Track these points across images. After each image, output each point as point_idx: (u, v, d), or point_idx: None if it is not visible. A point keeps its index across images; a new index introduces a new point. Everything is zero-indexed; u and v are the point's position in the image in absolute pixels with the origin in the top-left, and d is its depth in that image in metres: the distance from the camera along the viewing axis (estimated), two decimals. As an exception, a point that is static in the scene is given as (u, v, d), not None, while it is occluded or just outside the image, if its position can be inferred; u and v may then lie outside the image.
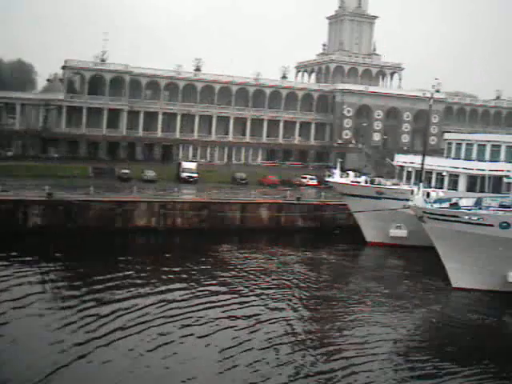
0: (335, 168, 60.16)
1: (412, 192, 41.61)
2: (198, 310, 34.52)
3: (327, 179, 59.21)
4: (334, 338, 32.16)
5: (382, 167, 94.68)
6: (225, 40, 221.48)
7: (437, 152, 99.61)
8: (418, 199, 39.78)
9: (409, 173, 60.48)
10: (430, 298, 39.91)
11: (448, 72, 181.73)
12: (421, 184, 41.59)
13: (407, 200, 46.00)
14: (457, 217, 38.44)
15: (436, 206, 39.97)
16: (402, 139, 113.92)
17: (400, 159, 63.42)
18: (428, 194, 40.62)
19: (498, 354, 30.60)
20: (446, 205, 41.36)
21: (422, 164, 43.77)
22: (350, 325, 34.27)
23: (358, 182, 57.75)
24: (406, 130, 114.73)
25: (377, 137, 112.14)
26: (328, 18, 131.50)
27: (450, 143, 63.09)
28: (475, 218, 37.89)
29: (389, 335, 32.86)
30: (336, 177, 57.14)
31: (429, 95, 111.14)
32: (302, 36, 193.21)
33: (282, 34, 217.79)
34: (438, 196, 41.67)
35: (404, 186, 56.55)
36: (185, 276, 41.94)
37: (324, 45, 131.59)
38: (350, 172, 58.30)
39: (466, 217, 38.05)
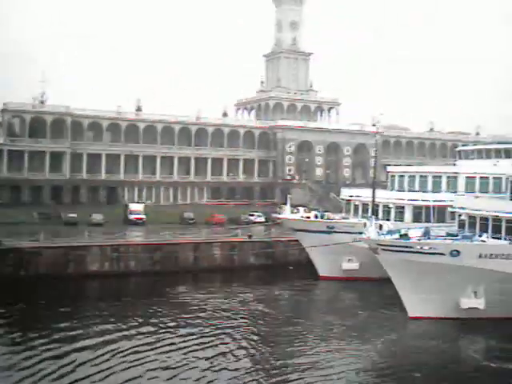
0: (284, 204, 61.32)
1: (365, 225, 42.90)
2: (161, 353, 34.48)
3: (278, 216, 60.12)
4: (297, 371, 32.57)
5: (327, 201, 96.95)
6: (164, 80, 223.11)
7: (377, 184, 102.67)
8: (372, 231, 41.11)
9: (356, 206, 62.16)
10: (388, 328, 40.97)
11: (381, 106, 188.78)
12: (373, 216, 43.02)
13: (358, 233, 47.69)
14: (409, 247, 39.95)
15: (388, 237, 41.41)
16: (343, 173, 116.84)
17: (346, 193, 65.13)
18: (381, 226, 42.02)
19: (459, 380, 31.84)
20: (396, 236, 42.88)
21: (373, 197, 45.34)
22: (312, 358, 34.83)
23: (308, 217, 59.02)
24: (347, 164, 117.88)
25: (319, 171, 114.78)
26: (265, 55, 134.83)
27: (392, 176, 65.31)
28: (427, 248, 39.46)
29: (351, 365, 33.66)
30: (287, 213, 58.17)
31: (371, 130, 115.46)
32: (240, 74, 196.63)
33: (221, 73, 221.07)
34: (389, 228, 43.13)
35: (353, 220, 58.21)
36: (143, 320, 41.55)
37: (262, 82, 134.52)
38: (300, 208, 59.44)
39: (418, 246, 39.58)
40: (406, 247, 40.07)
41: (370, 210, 59.38)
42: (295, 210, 58.52)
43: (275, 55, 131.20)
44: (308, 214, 59.36)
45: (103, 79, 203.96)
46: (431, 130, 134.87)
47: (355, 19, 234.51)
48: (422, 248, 39.48)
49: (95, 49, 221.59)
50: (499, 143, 65.81)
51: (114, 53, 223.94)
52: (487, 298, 40.15)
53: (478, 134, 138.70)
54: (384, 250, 40.78)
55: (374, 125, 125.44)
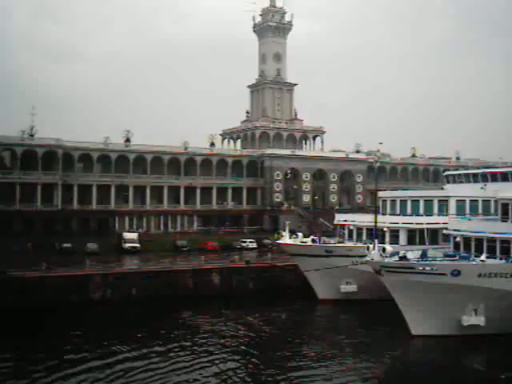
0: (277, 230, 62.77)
1: (368, 248, 44.53)
2: (168, 372, 36.02)
3: (276, 241, 61.54)
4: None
5: (316, 226, 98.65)
6: (151, 111, 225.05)
7: (364, 209, 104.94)
8: (375, 254, 42.79)
9: (350, 230, 63.98)
10: (392, 346, 42.50)
11: (363, 133, 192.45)
12: (376, 240, 44.72)
13: (357, 256, 49.47)
14: (412, 268, 41.64)
15: (392, 259, 43.08)
16: (330, 199, 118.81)
17: (341, 218, 66.90)
18: (384, 249, 43.68)
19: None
20: (396, 258, 44.58)
21: (375, 222, 47.06)
22: (320, 376, 36.22)
23: (305, 242, 60.62)
24: (334, 190, 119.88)
25: (306, 198, 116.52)
26: (249, 86, 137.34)
27: (384, 200, 67.31)
28: (429, 268, 41.19)
29: (356, 382, 35.05)
30: (285, 238, 59.63)
31: (356, 157, 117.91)
32: (225, 104, 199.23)
33: (207, 103, 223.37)
34: (392, 251, 44.81)
35: (348, 243, 60.06)
36: (148, 345, 42.55)
37: (247, 112, 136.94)
38: (299, 233, 60.99)
39: (421, 268, 41.29)
40: (409, 268, 41.72)
41: (364, 234, 61.58)
42: (294, 236, 60.00)
43: (260, 86, 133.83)
44: (305, 239, 60.89)
45: (91, 110, 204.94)
46: (413, 155, 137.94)
47: (337, 50, 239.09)
48: (424, 269, 41.17)
49: (84, 79, 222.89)
50: (486, 168, 68.43)
51: (103, 83, 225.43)
52: (487, 315, 41.86)
53: (458, 158, 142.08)
54: (388, 271, 42.37)
55: (357, 151, 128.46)
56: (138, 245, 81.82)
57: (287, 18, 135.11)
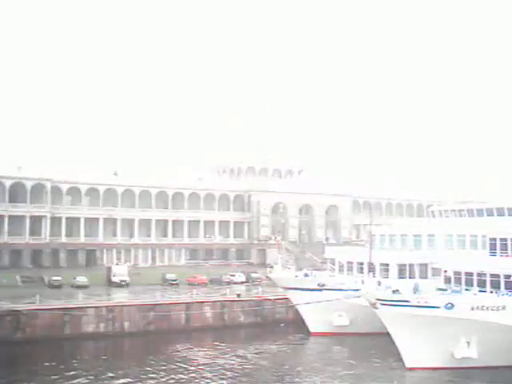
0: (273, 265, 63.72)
1: (362, 282, 45.54)
2: None
3: (268, 275, 62.31)
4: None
5: (303, 261, 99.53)
6: (137, 144, 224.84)
7: (350, 244, 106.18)
8: (370, 287, 43.80)
9: (341, 265, 65.00)
10: (387, 379, 43.19)
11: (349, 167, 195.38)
12: (371, 274, 45.77)
13: (351, 290, 50.53)
14: (407, 301, 42.65)
15: (387, 293, 44.09)
16: (316, 233, 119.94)
17: (331, 252, 68.05)
18: (379, 283, 44.70)
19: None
20: (389, 291, 45.60)
21: (370, 256, 48.17)
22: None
23: (297, 276, 61.53)
24: (320, 224, 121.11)
25: (293, 232, 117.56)
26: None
27: (373, 235, 68.59)
28: (423, 301, 42.24)
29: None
30: (278, 272, 60.48)
31: (342, 192, 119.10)
32: (211, 138, 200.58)
33: (194, 136, 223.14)
34: (387, 284, 45.86)
35: (342, 277, 61.08)
36: (141, 380, 42.76)
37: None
38: (291, 266, 61.87)
39: (416, 301, 42.32)
40: (404, 301, 42.71)
41: (355, 268, 62.69)
42: (286, 269, 60.91)
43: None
44: (297, 273, 61.84)
45: (75, 142, 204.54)
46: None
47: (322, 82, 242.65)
48: (419, 302, 42.20)
49: (64, 112, 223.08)
50: (471, 203, 70.31)
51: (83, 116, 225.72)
52: (479, 348, 42.84)
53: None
54: (383, 304, 43.32)
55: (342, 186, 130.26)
56: (127, 278, 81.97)
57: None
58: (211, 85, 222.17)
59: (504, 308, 42.51)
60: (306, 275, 60.71)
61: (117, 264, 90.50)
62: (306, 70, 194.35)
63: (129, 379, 42.61)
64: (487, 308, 42.23)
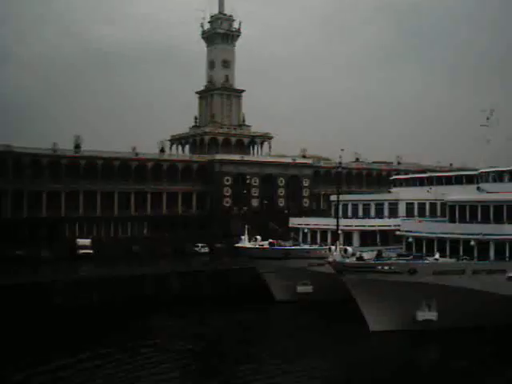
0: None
1: (329, 249, 46.77)
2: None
3: (236, 245, 63.11)
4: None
5: (265, 231, 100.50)
6: (99, 115, 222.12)
7: (308, 213, 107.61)
8: (337, 255, 45.09)
9: (304, 233, 66.30)
10: (352, 343, 44.77)
11: (309, 138, 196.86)
12: (337, 242, 47.02)
13: (315, 258, 51.93)
14: (372, 267, 44.12)
15: (353, 260, 45.49)
16: (278, 203, 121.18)
17: (295, 221, 69.28)
18: (346, 250, 46.03)
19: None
20: (353, 259, 47.03)
21: (337, 225, 49.44)
22: (278, 377, 37.72)
23: (262, 245, 62.59)
24: (282, 194, 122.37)
25: (255, 202, 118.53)
26: (198, 92, 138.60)
27: (336, 204, 69.87)
28: (387, 268, 43.76)
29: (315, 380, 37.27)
30: (245, 242, 61.37)
31: (303, 161, 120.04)
32: (173, 110, 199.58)
33: (155, 109, 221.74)
34: (353, 252, 47.23)
35: (304, 246, 62.46)
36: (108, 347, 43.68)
37: (196, 118, 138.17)
38: (258, 236, 62.77)
39: (380, 267, 43.81)
40: (369, 268, 44.18)
41: (318, 237, 64.12)
42: (253, 239, 61.81)
43: (208, 92, 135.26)
44: (262, 242, 62.81)
45: (33, 114, 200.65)
46: (357, 159, 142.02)
47: (284, 56, 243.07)
48: (383, 268, 43.70)
49: (30, 81, 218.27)
50: (431, 172, 72.18)
51: (51, 88, 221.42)
52: (439, 311, 44.73)
53: (399, 163, 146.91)
54: (348, 271, 44.70)
55: (303, 156, 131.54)
56: (91, 251, 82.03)
57: (235, 25, 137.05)
58: (172, 53, 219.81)
59: (463, 272, 44.41)
60: (272, 244, 61.78)
61: (81, 237, 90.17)
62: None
63: (102, 347, 43.28)
64: (448, 272, 44.01)
